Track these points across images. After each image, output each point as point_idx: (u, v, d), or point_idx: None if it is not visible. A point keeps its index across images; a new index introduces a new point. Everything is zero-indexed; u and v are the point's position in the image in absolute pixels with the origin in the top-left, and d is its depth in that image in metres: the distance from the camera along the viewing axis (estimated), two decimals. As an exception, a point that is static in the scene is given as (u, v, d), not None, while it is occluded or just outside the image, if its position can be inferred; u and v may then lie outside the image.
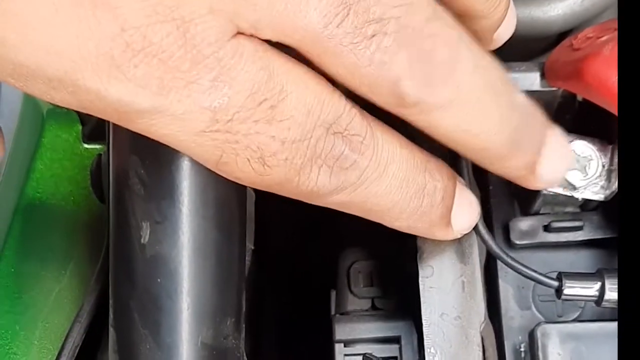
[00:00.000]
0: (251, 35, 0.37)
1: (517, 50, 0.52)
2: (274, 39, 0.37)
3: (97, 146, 0.62)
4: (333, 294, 0.59)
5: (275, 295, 0.69)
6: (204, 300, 0.41)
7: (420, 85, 0.38)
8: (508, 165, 0.43)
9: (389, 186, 0.41)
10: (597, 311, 0.51)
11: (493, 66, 0.41)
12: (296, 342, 0.68)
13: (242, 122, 0.37)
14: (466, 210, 0.45)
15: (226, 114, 0.36)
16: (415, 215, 0.43)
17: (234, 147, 0.37)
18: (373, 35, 0.37)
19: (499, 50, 0.49)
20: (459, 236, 0.46)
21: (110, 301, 0.43)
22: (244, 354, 0.44)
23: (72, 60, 0.34)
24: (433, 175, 0.43)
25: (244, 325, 0.44)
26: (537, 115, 0.44)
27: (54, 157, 0.61)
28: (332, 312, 0.58)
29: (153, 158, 0.40)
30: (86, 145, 0.62)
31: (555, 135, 0.44)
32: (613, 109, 0.45)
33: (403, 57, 0.38)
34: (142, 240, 0.41)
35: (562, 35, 0.60)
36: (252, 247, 0.55)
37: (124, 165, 0.41)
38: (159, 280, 0.41)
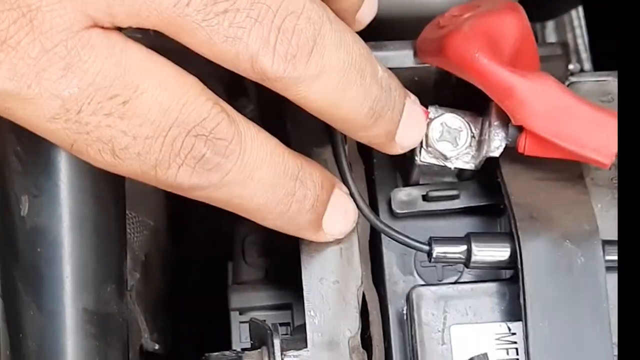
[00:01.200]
0: (109, 28, 0.39)
1: (400, 31, 0.54)
2: (133, 24, 0.39)
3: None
4: (230, 265, 0.61)
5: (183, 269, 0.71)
6: (83, 267, 0.43)
7: (280, 60, 0.40)
8: (370, 134, 0.46)
9: (254, 190, 0.42)
10: (475, 276, 0.54)
11: (355, 42, 0.43)
12: (193, 312, 0.70)
13: (92, 114, 0.38)
14: (340, 217, 0.48)
15: (76, 105, 0.38)
16: (282, 219, 0.44)
17: (84, 137, 0.39)
18: (225, 12, 0.39)
19: (381, 31, 0.52)
20: (331, 240, 0.48)
21: (-2, 272, 0.46)
22: (126, 320, 0.47)
23: None
24: (304, 182, 0.44)
25: (127, 292, 0.46)
26: (396, 87, 0.46)
27: None
28: (229, 283, 0.61)
29: (29, 135, 0.42)
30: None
31: (411, 104, 0.47)
32: (476, 82, 0.47)
33: (259, 33, 0.40)
34: (21, 213, 0.43)
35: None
36: (152, 223, 0.57)
37: (2, 143, 0.44)
38: (39, 250, 0.43)
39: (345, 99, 0.43)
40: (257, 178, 0.42)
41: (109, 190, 0.43)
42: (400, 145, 0.47)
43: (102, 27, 0.39)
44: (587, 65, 0.61)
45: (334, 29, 0.42)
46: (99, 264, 0.44)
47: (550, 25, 0.72)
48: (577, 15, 0.76)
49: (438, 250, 0.49)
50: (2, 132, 0.43)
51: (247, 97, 0.70)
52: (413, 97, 0.47)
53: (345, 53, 0.43)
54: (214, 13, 0.39)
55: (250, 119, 0.70)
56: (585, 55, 0.61)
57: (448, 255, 0.49)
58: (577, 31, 0.68)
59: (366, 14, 0.49)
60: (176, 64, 0.41)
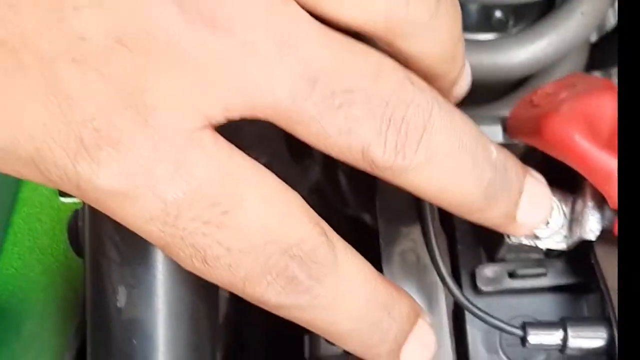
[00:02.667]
0: (214, 126, 0.38)
1: (481, 94, 0.53)
2: (245, 116, 0.38)
3: (75, 200, 0.63)
4: (306, 338, 0.60)
5: (255, 339, 0.70)
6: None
7: (390, 150, 0.39)
8: (486, 217, 0.44)
9: (340, 317, 0.41)
10: (563, 357, 0.53)
11: (465, 123, 0.42)
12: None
13: (191, 220, 0.37)
14: (419, 351, 0.45)
15: (177, 209, 0.36)
16: (362, 346, 0.43)
17: (178, 241, 0.37)
18: (341, 106, 0.38)
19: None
20: None
21: (88, 361, 0.44)
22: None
23: (43, 140, 0.35)
24: (392, 313, 0.42)
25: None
26: (512, 166, 0.44)
27: (31, 212, 0.62)
28: (306, 357, 0.59)
29: (127, 225, 0.41)
30: (63, 200, 0.63)
31: (533, 181, 0.45)
32: (574, 165, 0.46)
33: (371, 124, 0.38)
34: (118, 304, 0.42)
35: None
36: (227, 295, 0.56)
37: (99, 232, 0.43)
38: (134, 341, 0.42)
39: (456, 184, 0.42)
40: (346, 306, 0.40)
41: (204, 282, 0.42)
42: (523, 226, 0.45)
43: (212, 129, 0.38)
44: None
45: (442, 113, 0.41)
46: (194, 357, 0.43)
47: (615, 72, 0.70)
48: None
49: (533, 336, 0.47)
50: (100, 221, 0.42)
51: (312, 158, 0.69)
52: (536, 174, 0.46)
53: (455, 137, 0.41)
54: (331, 107, 0.38)
55: (316, 180, 0.70)
56: None
57: (543, 341, 0.48)
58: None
59: (463, 88, 0.48)
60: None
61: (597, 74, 0.64)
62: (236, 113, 0.38)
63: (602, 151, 0.45)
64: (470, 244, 0.54)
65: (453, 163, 0.41)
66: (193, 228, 0.37)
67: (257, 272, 0.38)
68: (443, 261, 0.50)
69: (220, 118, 0.38)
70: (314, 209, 0.42)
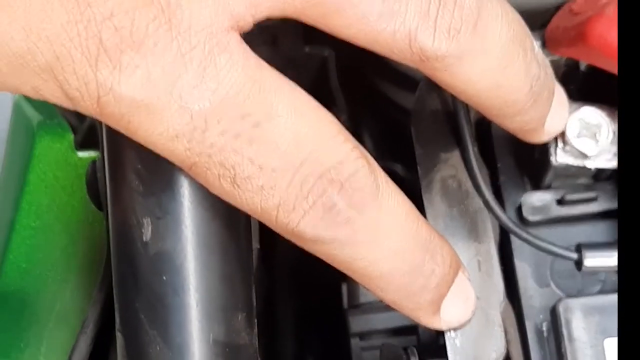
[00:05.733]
0: (242, 29, 0.35)
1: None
2: (276, 13, 0.35)
3: (91, 154, 0.61)
4: (344, 286, 0.57)
5: (286, 294, 0.67)
6: (212, 295, 0.39)
7: (442, 36, 0.36)
8: (526, 118, 0.41)
9: (382, 254, 0.38)
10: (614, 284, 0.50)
11: (515, 13, 0.39)
12: (311, 338, 0.66)
13: (220, 135, 0.34)
14: (460, 303, 0.42)
15: (204, 122, 0.34)
16: (403, 293, 0.39)
17: (205, 159, 0.34)
18: None
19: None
20: (445, 329, 0.43)
21: (116, 305, 0.41)
22: (257, 351, 0.42)
23: (62, 44, 0.33)
24: (434, 257, 0.39)
25: (256, 321, 0.42)
26: (548, 65, 0.42)
27: (46, 169, 0.59)
28: (345, 306, 0.56)
29: (150, 151, 0.38)
30: (79, 154, 0.60)
31: (559, 87, 0.43)
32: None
33: (418, 6, 0.35)
34: (144, 238, 0.39)
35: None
36: (258, 247, 0.53)
37: (120, 163, 0.40)
38: (164, 277, 0.39)
39: (508, 77, 0.39)
40: (388, 241, 0.37)
41: (236, 210, 0.39)
42: (548, 131, 0.43)
43: (239, 35, 0.35)
44: None
45: (495, 1, 0.38)
46: (229, 291, 0.40)
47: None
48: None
49: (590, 258, 0.44)
50: (121, 150, 0.39)
51: (336, 107, 0.67)
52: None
53: (508, 26, 0.38)
54: None
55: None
56: None
57: (601, 263, 0.44)
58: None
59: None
60: None
61: None
62: (264, 9, 0.35)
63: (653, 52, 0.42)
64: (513, 174, 0.51)
65: (506, 54, 0.38)
66: (222, 143, 0.34)
67: (292, 197, 0.35)
68: (489, 187, 0.47)
69: (247, 17, 0.35)
70: None
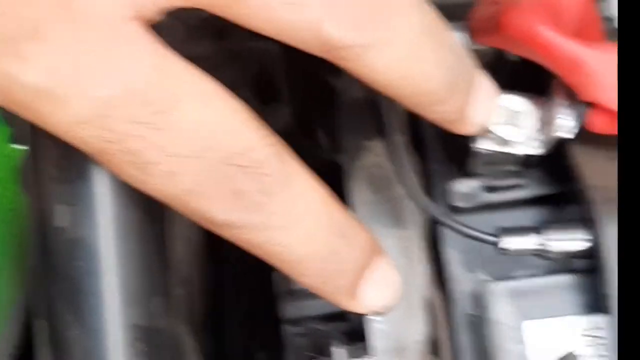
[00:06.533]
0: (147, 20, 0.35)
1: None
2: (180, 3, 0.36)
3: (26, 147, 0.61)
4: (276, 273, 0.57)
5: (235, 288, 0.68)
6: (128, 279, 0.40)
7: (347, 26, 0.36)
8: (443, 110, 0.41)
9: (296, 239, 0.38)
10: (547, 270, 0.50)
11: (425, 5, 0.40)
12: (260, 329, 0.67)
13: (126, 122, 0.34)
14: (382, 288, 0.42)
15: (108, 109, 0.34)
16: (322, 277, 0.40)
17: (111, 146, 0.35)
18: None
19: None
20: (367, 313, 0.43)
21: (35, 292, 0.42)
22: (178, 336, 0.43)
23: None
24: (350, 242, 0.40)
25: (173, 304, 0.43)
26: (467, 56, 0.42)
27: (-22, 160, 0.60)
28: (277, 292, 0.57)
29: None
30: (14, 146, 0.61)
31: (481, 76, 0.43)
32: (539, 57, 0.44)
33: None
34: (59, 225, 0.40)
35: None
36: (189, 235, 0.54)
37: (39, 151, 0.40)
38: (79, 263, 0.39)
39: (419, 67, 0.39)
40: (302, 226, 0.38)
41: (151, 199, 0.40)
42: (473, 121, 0.43)
43: (144, 23, 0.35)
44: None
45: None
46: (144, 275, 0.40)
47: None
48: None
49: (509, 241, 0.45)
50: (40, 137, 0.40)
51: (280, 101, 0.67)
52: (479, 69, 0.44)
53: (419, 15, 0.39)
54: None
55: (285, 123, 0.68)
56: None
57: (519, 246, 0.45)
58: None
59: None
60: (204, 70, 0.38)
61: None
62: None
63: (567, 39, 0.43)
64: (442, 161, 0.52)
65: (415, 44, 0.39)
66: (127, 130, 0.35)
67: (200, 183, 0.36)
68: (413, 175, 0.47)
69: (149, 6, 0.35)
70: None
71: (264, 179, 0.37)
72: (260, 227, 0.37)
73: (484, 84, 0.44)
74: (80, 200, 0.39)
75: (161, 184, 0.36)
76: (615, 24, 0.56)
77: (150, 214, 0.41)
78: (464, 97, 0.42)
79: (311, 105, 0.69)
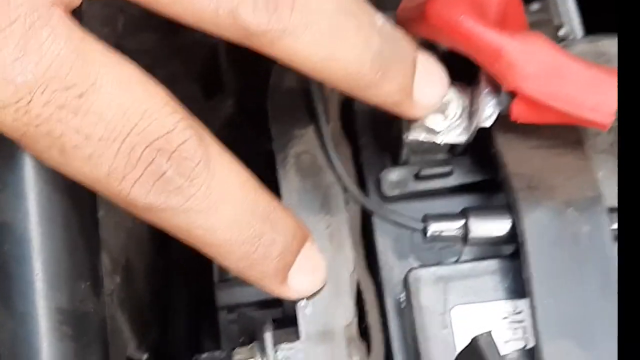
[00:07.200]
0: (67, 7, 0.36)
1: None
2: None
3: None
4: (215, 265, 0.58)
5: (182, 277, 0.68)
6: (54, 264, 0.40)
7: (262, 11, 0.37)
8: (382, 92, 0.42)
9: (218, 222, 0.39)
10: (475, 255, 0.51)
11: None
12: (186, 315, 0.68)
13: (45, 105, 0.35)
14: (309, 273, 0.44)
15: (28, 93, 0.35)
16: (246, 262, 0.41)
17: (33, 130, 0.35)
18: None
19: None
20: (295, 297, 0.44)
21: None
22: (106, 319, 0.44)
23: None
24: (275, 227, 0.41)
25: (104, 291, 0.43)
26: (402, 38, 0.43)
27: None
28: (215, 280, 0.58)
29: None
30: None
31: (425, 57, 0.44)
32: (461, 47, 0.45)
33: None
34: None
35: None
36: (129, 225, 0.54)
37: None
38: (5, 247, 0.40)
39: (341, 50, 0.40)
40: (224, 210, 0.39)
41: (77, 185, 0.40)
42: (421, 103, 0.44)
43: (64, 9, 0.36)
44: (580, 34, 0.58)
45: None
46: (71, 260, 0.41)
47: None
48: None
49: (434, 227, 0.46)
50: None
51: (225, 93, 0.68)
52: (427, 52, 0.44)
53: None
54: None
55: (229, 114, 0.68)
56: (575, 22, 0.59)
57: (444, 232, 0.46)
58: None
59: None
60: (146, 65, 0.38)
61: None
62: None
63: (489, 29, 0.44)
64: (374, 150, 0.53)
65: (334, 26, 0.39)
66: (48, 114, 0.35)
67: (120, 166, 0.37)
68: (343, 164, 0.48)
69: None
70: (226, 142, 0.40)
71: (183, 162, 0.37)
72: (181, 210, 0.38)
73: (428, 65, 0.44)
74: (5, 185, 0.40)
75: (81, 167, 0.37)
76: (563, 31, 0.57)
77: (77, 199, 0.41)
78: (402, 79, 0.42)
79: (255, 96, 0.69)
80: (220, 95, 0.66)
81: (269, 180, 0.45)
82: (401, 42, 0.43)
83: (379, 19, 0.42)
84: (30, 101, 0.35)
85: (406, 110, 0.44)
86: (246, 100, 0.67)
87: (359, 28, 0.40)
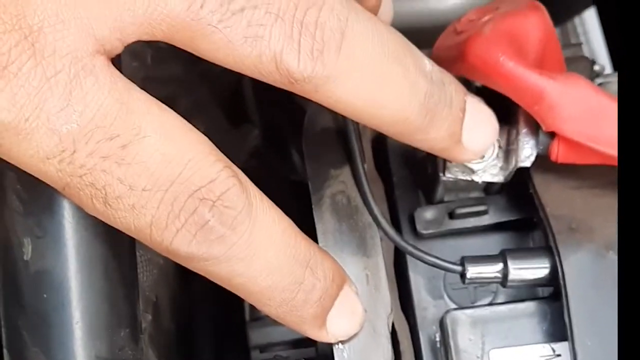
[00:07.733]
0: (109, 53, 0.36)
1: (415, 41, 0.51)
2: (143, 36, 0.36)
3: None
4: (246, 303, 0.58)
5: (205, 312, 0.68)
6: (93, 312, 0.40)
7: (307, 57, 0.37)
8: (429, 138, 0.41)
9: (259, 270, 0.38)
10: (510, 295, 0.51)
11: (390, 32, 0.40)
12: (215, 354, 0.67)
13: (88, 155, 0.35)
14: (347, 317, 0.43)
15: (72, 144, 0.35)
16: (286, 308, 0.40)
17: (77, 180, 0.35)
18: (242, 10, 0.36)
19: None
20: (333, 341, 0.44)
21: (2, 323, 0.42)
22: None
23: None
24: (315, 272, 0.40)
25: (141, 335, 0.43)
26: (450, 82, 0.42)
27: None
28: (247, 319, 0.57)
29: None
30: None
31: (475, 101, 0.43)
32: (501, 88, 0.44)
33: (281, 29, 0.36)
34: (25, 257, 0.40)
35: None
36: (161, 261, 0.54)
37: (1, 184, 0.40)
38: (45, 295, 0.40)
39: (387, 96, 0.39)
40: (265, 258, 0.38)
41: (116, 230, 0.40)
42: (470, 149, 0.43)
43: (106, 58, 0.36)
44: (608, 68, 0.58)
45: (362, 19, 0.38)
46: (111, 307, 0.41)
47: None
48: (581, 21, 0.73)
49: (472, 270, 0.45)
50: (2, 170, 0.40)
51: (251, 122, 0.68)
52: (475, 96, 0.43)
53: (380, 44, 0.39)
54: (231, 12, 0.36)
55: (254, 146, 0.68)
56: (604, 56, 0.58)
57: (483, 275, 0.46)
58: (592, 34, 0.65)
59: (385, 17, 0.46)
60: (173, 92, 0.38)
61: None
62: (130, 33, 0.36)
63: (529, 70, 0.43)
64: (408, 188, 0.52)
65: (379, 72, 0.39)
66: (91, 164, 0.35)
67: (163, 216, 0.36)
68: (377, 203, 0.48)
69: (114, 41, 0.36)
70: (251, 172, 0.40)
71: (226, 211, 0.37)
72: (223, 259, 0.38)
73: (478, 110, 0.43)
74: (45, 232, 0.39)
75: (124, 217, 0.36)
76: (598, 67, 0.57)
77: (116, 246, 0.41)
78: (451, 125, 0.42)
79: (282, 126, 0.69)
80: (248, 124, 0.66)
81: (294, 211, 0.45)
82: (450, 86, 0.42)
83: (427, 63, 0.41)
84: (74, 152, 0.35)
85: (455, 156, 0.44)
86: (272, 130, 0.67)
87: (406, 73, 0.39)
